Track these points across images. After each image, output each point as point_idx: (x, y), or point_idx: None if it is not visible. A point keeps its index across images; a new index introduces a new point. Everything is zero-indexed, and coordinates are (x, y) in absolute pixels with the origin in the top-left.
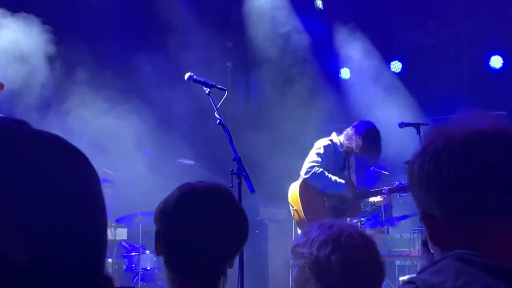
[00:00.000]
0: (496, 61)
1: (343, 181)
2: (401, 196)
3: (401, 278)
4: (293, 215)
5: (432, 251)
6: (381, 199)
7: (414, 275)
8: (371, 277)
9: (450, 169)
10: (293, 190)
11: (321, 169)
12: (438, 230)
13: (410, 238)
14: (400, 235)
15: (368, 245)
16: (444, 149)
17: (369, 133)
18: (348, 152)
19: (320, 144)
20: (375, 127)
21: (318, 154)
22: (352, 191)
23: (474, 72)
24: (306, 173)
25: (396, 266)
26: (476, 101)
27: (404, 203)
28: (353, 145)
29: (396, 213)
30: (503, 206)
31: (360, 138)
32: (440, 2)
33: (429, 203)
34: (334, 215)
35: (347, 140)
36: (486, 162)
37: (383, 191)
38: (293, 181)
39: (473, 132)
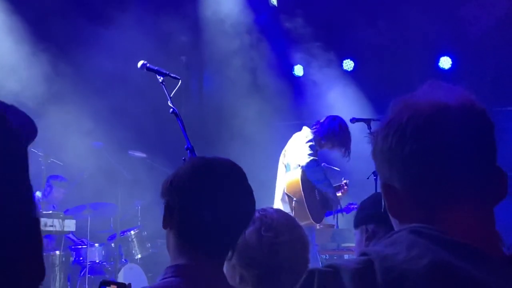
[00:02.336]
0: (445, 62)
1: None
2: None
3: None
4: (293, 207)
5: (391, 221)
6: (340, 194)
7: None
8: (290, 243)
9: (413, 144)
10: (294, 181)
11: (319, 163)
12: (397, 202)
13: None
14: (349, 229)
15: (283, 214)
16: (408, 123)
17: (342, 127)
18: (319, 147)
19: (307, 137)
20: (344, 120)
21: (312, 147)
22: (332, 189)
23: (423, 72)
24: (308, 165)
25: None
26: None
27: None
28: (328, 140)
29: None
30: (460, 183)
31: (334, 132)
32: (391, 2)
33: (390, 176)
34: (322, 207)
35: (320, 135)
36: (447, 138)
37: (344, 185)
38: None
39: (438, 106)
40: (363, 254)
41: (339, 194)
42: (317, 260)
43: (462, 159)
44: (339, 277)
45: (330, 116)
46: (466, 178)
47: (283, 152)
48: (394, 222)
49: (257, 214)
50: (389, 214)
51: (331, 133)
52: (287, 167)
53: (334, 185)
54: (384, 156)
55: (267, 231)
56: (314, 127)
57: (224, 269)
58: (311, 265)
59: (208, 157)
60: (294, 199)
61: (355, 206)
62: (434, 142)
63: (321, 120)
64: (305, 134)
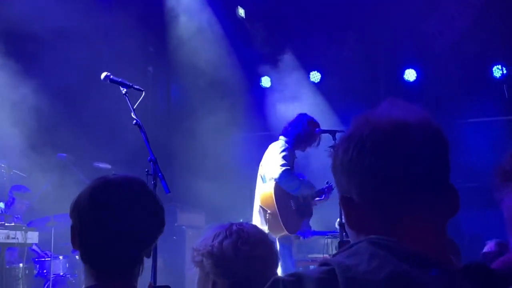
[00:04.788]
0: (410, 74)
1: (307, 181)
2: None
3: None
4: (268, 220)
5: (348, 233)
6: (324, 199)
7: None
8: (262, 257)
9: (372, 158)
10: (267, 194)
11: (291, 172)
12: (354, 214)
13: (324, 243)
14: (315, 240)
15: (258, 230)
16: (369, 137)
17: (311, 122)
18: (297, 148)
19: (281, 147)
20: (308, 115)
21: (285, 157)
22: (314, 190)
23: (388, 84)
24: (280, 177)
25: None
26: None
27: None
28: (300, 140)
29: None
30: (415, 197)
31: (308, 130)
32: (358, 16)
33: (349, 188)
34: (299, 216)
35: (292, 138)
36: (405, 153)
37: (326, 189)
38: (211, 187)
39: (397, 123)
40: (324, 264)
41: (321, 199)
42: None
43: (417, 174)
44: (302, 286)
45: (297, 116)
46: (421, 192)
47: (261, 163)
48: (351, 233)
49: (234, 228)
50: (347, 226)
51: (307, 131)
52: (263, 178)
53: (319, 189)
54: (344, 168)
55: (244, 245)
56: (284, 132)
57: (197, 275)
58: None
59: (107, 176)
60: (268, 211)
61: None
62: (392, 156)
63: (292, 122)
64: (280, 144)
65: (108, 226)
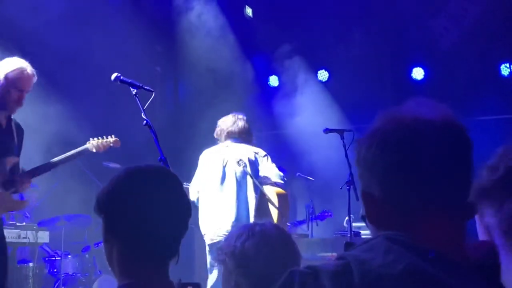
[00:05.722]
0: (418, 73)
1: None
2: None
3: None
4: (277, 218)
5: (368, 227)
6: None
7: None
8: (284, 258)
9: (395, 155)
10: (282, 193)
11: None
12: (375, 210)
13: (333, 241)
14: (323, 239)
15: (281, 231)
16: (393, 134)
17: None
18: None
19: (262, 152)
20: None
21: (272, 161)
22: None
23: (396, 82)
24: (282, 178)
25: None
26: None
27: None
28: (250, 137)
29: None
30: (436, 195)
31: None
32: (365, 14)
33: (370, 183)
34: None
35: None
36: (428, 152)
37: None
38: None
39: (422, 121)
40: (340, 258)
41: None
42: None
43: (439, 173)
44: (318, 278)
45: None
46: (442, 190)
47: (238, 160)
48: (371, 228)
49: (257, 228)
50: (367, 221)
51: (248, 132)
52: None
53: None
54: (366, 164)
55: (265, 246)
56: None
57: (222, 273)
58: None
59: (142, 166)
60: (281, 210)
61: (329, 214)
62: (415, 154)
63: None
64: (260, 152)
65: (155, 210)
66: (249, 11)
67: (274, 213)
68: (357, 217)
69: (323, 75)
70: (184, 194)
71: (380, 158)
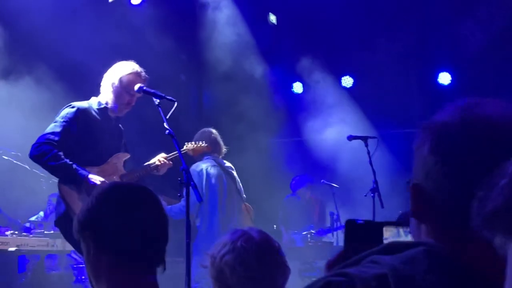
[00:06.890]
0: (445, 78)
1: None
2: None
3: None
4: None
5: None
6: None
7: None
8: (256, 279)
9: (454, 152)
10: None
11: None
12: (422, 204)
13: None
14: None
15: (264, 247)
16: (460, 131)
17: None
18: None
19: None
20: None
21: None
22: None
23: (423, 88)
24: None
25: None
26: (425, 117)
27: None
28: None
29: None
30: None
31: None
32: (388, 19)
33: (421, 176)
34: None
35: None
36: (489, 154)
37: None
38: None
39: (498, 119)
40: (374, 262)
41: None
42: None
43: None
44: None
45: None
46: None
47: (232, 175)
48: (412, 222)
49: (238, 244)
50: (411, 213)
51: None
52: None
53: None
54: (421, 156)
55: (240, 265)
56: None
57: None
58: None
59: (115, 182)
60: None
61: None
62: (477, 154)
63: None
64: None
65: (139, 225)
66: (272, 18)
67: None
68: None
69: (347, 81)
70: (162, 210)
71: (437, 152)
